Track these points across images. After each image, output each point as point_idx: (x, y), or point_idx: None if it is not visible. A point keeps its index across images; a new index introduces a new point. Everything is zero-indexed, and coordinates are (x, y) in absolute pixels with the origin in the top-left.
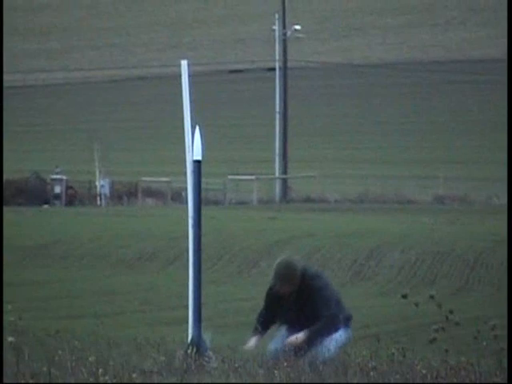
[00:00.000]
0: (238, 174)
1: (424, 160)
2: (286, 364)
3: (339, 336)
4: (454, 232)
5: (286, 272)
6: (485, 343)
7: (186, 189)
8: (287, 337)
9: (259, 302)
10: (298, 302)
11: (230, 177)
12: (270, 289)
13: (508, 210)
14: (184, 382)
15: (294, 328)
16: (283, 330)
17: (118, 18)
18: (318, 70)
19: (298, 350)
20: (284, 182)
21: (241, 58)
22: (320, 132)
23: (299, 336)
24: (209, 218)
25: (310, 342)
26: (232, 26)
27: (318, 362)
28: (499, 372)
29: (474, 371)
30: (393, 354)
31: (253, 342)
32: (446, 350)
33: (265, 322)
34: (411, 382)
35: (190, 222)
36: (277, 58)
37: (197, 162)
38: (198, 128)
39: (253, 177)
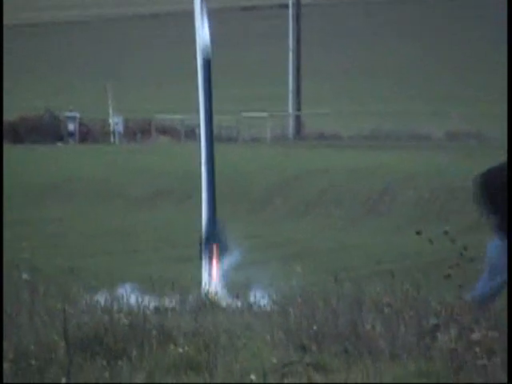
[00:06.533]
0: (251, 111)
1: (437, 96)
2: (300, 301)
3: None
4: (468, 168)
5: None
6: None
7: (199, 126)
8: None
9: (272, 239)
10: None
11: (243, 114)
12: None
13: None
14: (198, 319)
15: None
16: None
17: None
18: (331, 6)
19: None
20: (297, 118)
21: None
22: (333, 69)
23: None
24: (222, 155)
25: None
26: None
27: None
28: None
29: (488, 308)
30: (407, 290)
31: None
32: (460, 286)
33: None
34: (425, 317)
35: (203, 158)
36: None
37: (207, 61)
38: (206, 10)
39: (266, 114)
